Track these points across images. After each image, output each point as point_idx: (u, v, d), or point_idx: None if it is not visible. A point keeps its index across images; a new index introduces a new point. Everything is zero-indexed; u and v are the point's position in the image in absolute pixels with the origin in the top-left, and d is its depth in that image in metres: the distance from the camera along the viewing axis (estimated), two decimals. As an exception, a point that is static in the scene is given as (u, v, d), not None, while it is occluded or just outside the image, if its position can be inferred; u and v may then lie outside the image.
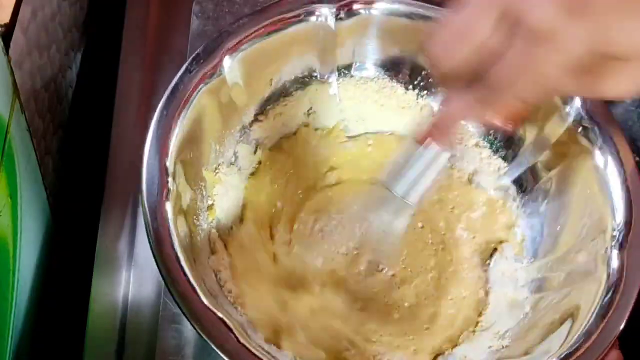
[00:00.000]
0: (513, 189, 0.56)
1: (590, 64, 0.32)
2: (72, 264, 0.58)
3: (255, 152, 0.56)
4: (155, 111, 0.48)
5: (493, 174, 0.57)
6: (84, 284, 0.53)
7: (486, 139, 0.57)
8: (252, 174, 0.56)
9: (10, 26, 0.47)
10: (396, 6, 0.54)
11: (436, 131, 0.42)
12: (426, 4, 0.53)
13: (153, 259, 0.44)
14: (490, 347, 0.50)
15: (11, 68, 0.48)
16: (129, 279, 0.53)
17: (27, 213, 0.52)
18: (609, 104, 0.52)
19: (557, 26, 0.31)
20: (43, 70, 0.57)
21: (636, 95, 0.33)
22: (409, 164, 0.44)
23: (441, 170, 0.44)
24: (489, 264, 0.55)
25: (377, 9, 0.54)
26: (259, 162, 0.56)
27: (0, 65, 0.46)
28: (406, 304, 0.53)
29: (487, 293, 0.54)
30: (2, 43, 0.45)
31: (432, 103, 0.58)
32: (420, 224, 0.57)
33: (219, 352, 0.41)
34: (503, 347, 0.49)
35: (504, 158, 0.56)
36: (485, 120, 0.39)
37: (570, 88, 0.34)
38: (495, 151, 0.57)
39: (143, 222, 0.54)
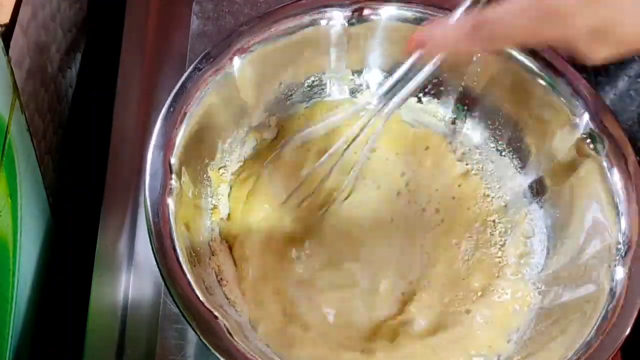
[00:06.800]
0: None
1: (586, 35, 0.36)
2: (72, 264, 0.58)
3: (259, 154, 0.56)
4: (156, 110, 0.48)
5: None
6: (84, 284, 0.53)
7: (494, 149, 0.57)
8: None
9: (10, 26, 0.47)
10: (403, 12, 0.53)
11: (430, 41, 0.43)
12: (435, 9, 0.53)
13: (153, 257, 0.44)
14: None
15: (11, 68, 0.48)
16: (129, 279, 0.53)
17: (27, 213, 0.52)
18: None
19: (574, 10, 0.35)
20: (43, 70, 0.57)
21: (605, 61, 0.37)
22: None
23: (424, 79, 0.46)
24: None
25: (386, 14, 0.53)
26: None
27: (0, 65, 0.46)
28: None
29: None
30: (2, 43, 0.45)
31: (442, 111, 0.57)
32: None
33: (213, 351, 0.41)
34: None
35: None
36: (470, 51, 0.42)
37: (557, 45, 0.38)
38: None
39: (143, 222, 0.54)
